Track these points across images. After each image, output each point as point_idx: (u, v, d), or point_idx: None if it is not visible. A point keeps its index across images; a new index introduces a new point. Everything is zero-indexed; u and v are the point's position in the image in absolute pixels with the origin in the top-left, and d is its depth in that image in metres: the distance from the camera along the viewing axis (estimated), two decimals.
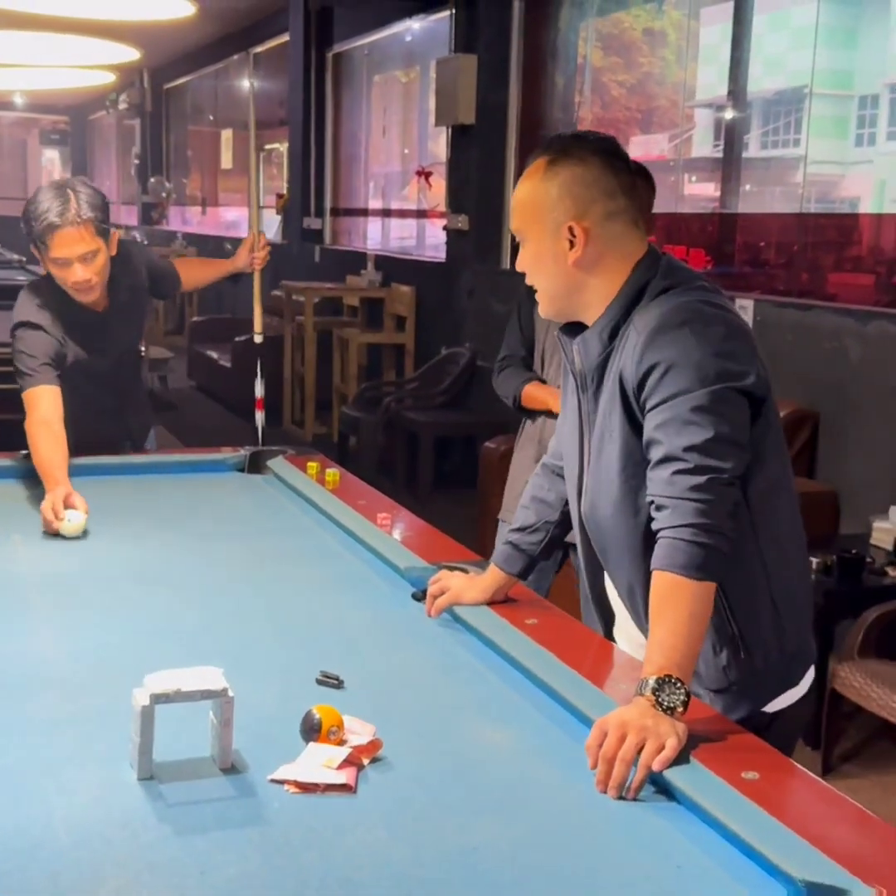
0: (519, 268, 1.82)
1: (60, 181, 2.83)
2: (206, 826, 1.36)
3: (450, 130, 6.95)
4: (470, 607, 2.02)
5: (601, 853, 1.34)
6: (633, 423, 1.70)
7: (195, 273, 3.53)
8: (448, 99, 6.72)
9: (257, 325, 3.84)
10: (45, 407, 2.76)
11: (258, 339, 3.89)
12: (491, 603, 2.03)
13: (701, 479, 1.58)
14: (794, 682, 1.81)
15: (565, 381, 1.90)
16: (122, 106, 15.65)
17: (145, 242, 14.14)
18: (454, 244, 6.80)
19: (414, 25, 8.37)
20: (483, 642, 1.93)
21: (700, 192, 6.77)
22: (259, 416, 3.49)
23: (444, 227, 6.92)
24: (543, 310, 1.85)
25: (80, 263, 2.76)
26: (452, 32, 6.90)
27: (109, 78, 12.83)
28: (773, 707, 1.79)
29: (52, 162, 23.31)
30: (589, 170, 1.72)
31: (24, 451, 2.83)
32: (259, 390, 3.70)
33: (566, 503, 2.00)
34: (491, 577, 2.04)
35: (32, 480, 2.81)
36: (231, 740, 1.49)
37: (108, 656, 1.86)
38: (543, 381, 3.00)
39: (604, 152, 1.75)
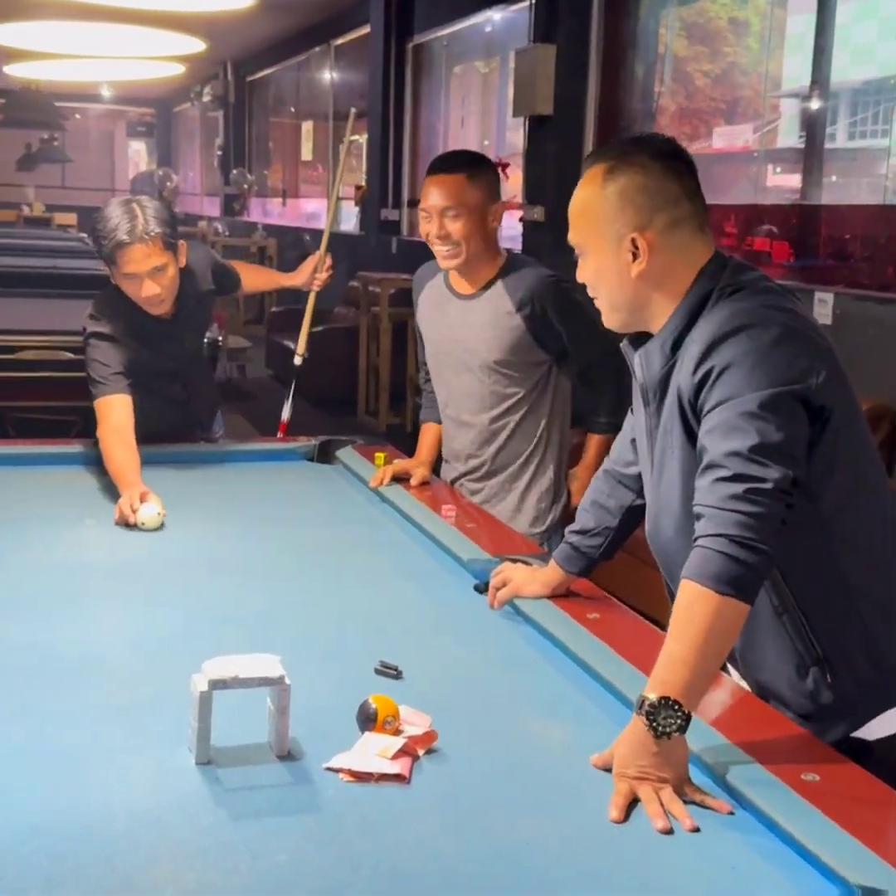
0: (580, 279, 1.77)
1: (127, 198, 2.88)
2: (260, 812, 1.38)
3: (527, 121, 6.92)
4: (532, 600, 2.01)
5: (652, 853, 1.32)
6: (692, 439, 1.62)
7: (254, 279, 3.53)
8: (526, 89, 6.69)
9: (301, 346, 3.82)
10: (116, 416, 2.82)
11: (298, 360, 3.90)
12: (552, 597, 2.02)
13: (739, 487, 1.49)
14: (894, 702, 1.67)
15: (635, 392, 1.86)
16: (206, 98, 15.82)
17: (227, 233, 14.32)
18: (530, 235, 6.77)
19: (494, 16, 8.34)
20: (543, 636, 1.92)
21: (783, 184, 6.65)
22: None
23: (521, 219, 6.89)
24: (606, 321, 1.78)
25: (149, 278, 2.81)
26: (532, 22, 6.86)
27: (179, 69, 12.92)
28: (874, 732, 1.64)
29: (138, 153, 23.65)
30: (650, 176, 1.65)
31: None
32: (286, 413, 3.73)
33: (628, 509, 1.98)
34: (552, 572, 2.03)
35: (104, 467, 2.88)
36: (287, 727, 1.50)
37: (171, 642, 1.88)
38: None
39: (665, 156, 1.67)
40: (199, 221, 16.01)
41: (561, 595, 2.03)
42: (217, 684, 1.46)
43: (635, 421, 1.87)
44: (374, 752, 1.49)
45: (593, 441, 2.81)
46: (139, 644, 1.89)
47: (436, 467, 2.93)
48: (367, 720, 1.54)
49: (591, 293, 1.78)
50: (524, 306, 2.69)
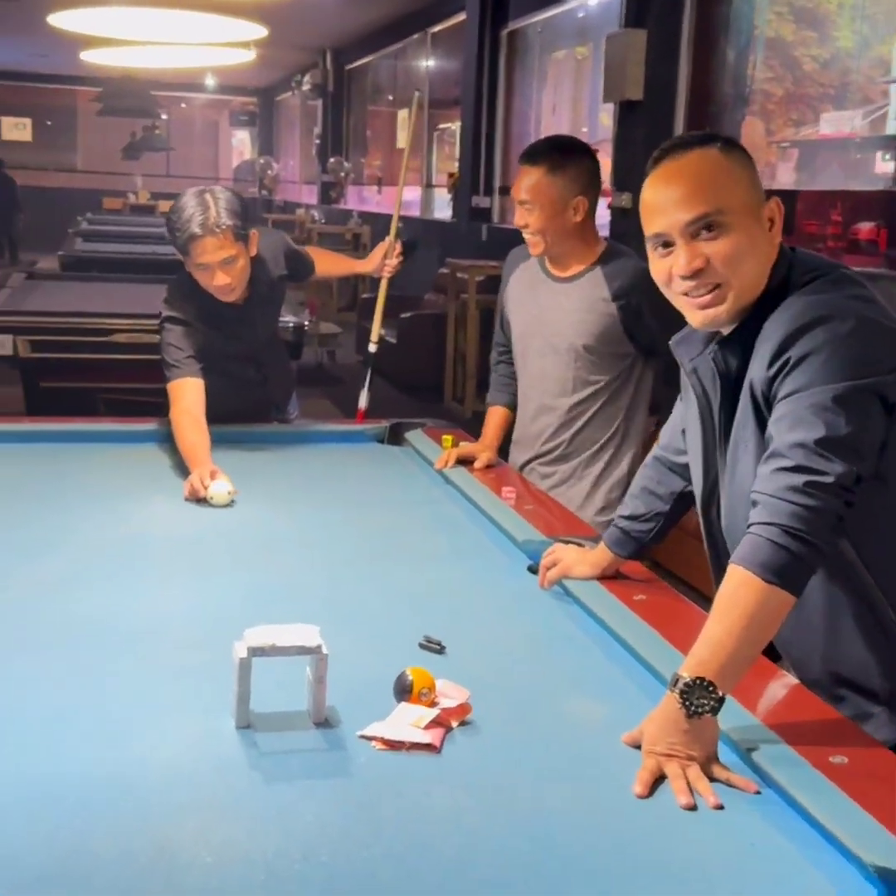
0: (720, 257, 1.61)
1: (201, 188, 2.93)
2: (292, 775, 1.42)
3: (617, 107, 6.87)
4: (581, 581, 2.02)
5: (674, 829, 1.33)
6: (766, 432, 1.59)
7: (327, 264, 3.56)
8: (616, 75, 6.65)
9: (375, 334, 3.84)
10: (189, 398, 2.89)
11: (372, 347, 3.91)
12: (601, 578, 2.03)
13: (799, 479, 1.47)
14: None
15: (685, 383, 1.85)
16: (306, 87, 15.98)
17: (323, 220, 14.48)
18: (618, 222, 6.73)
19: (588, 1, 8.29)
20: (590, 616, 1.93)
21: (892, 171, 6.50)
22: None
23: (609, 206, 6.85)
24: (728, 311, 1.65)
25: (221, 269, 2.87)
26: (623, 7, 6.80)
27: (249, 55, 12.96)
28: None
29: (242, 142, 23.99)
30: (749, 160, 1.63)
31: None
32: (363, 401, 3.76)
33: (678, 496, 1.98)
34: (602, 553, 2.04)
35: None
36: (324, 696, 1.54)
37: (226, 613, 1.93)
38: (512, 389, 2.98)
39: (736, 147, 1.64)
40: (297, 209, 16.21)
41: (610, 576, 2.04)
42: (256, 652, 1.51)
43: (686, 411, 1.86)
44: (408, 721, 1.52)
45: None
46: (196, 614, 1.95)
47: (502, 451, 2.95)
48: (403, 691, 1.57)
49: (724, 273, 1.61)
50: (620, 296, 2.69)
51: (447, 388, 8.29)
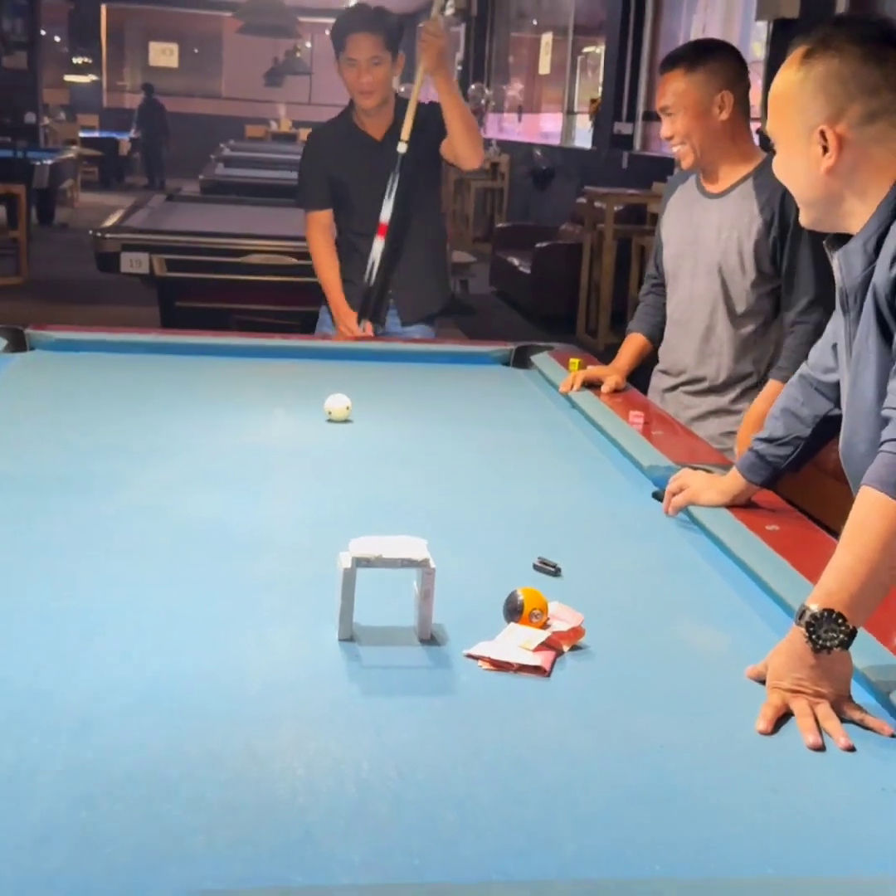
0: (775, 171, 1.65)
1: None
2: (393, 690, 1.36)
3: (770, 26, 6.54)
4: (709, 509, 1.91)
5: (798, 769, 1.24)
6: (890, 343, 1.50)
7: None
8: None
9: (406, 133, 3.25)
10: (315, 226, 3.46)
11: (402, 147, 3.28)
12: (731, 506, 1.91)
13: None
14: None
15: (837, 296, 1.72)
16: (449, 11, 15.74)
17: None
18: (768, 148, 6.46)
19: None
20: (716, 544, 1.83)
21: None
22: (377, 245, 3.33)
23: (758, 131, 6.58)
24: (803, 219, 1.66)
25: (366, 68, 3.21)
26: None
27: None
28: None
29: None
30: (846, 63, 1.51)
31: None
32: (385, 214, 3.32)
33: (822, 419, 1.85)
34: (732, 480, 1.92)
35: (302, 362, 2.96)
36: (431, 612, 1.48)
37: (337, 525, 1.88)
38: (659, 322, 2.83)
39: (870, 39, 1.52)
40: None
41: (740, 505, 1.92)
42: (361, 562, 1.45)
43: (837, 326, 1.73)
44: (517, 643, 1.45)
45: (769, 388, 2.53)
46: (307, 524, 1.91)
47: (634, 380, 2.83)
48: (514, 611, 1.50)
49: (786, 185, 1.65)
50: (766, 208, 2.53)
51: (580, 320, 8.12)
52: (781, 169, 1.63)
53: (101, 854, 1.03)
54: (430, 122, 3.28)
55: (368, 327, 3.35)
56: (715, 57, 2.56)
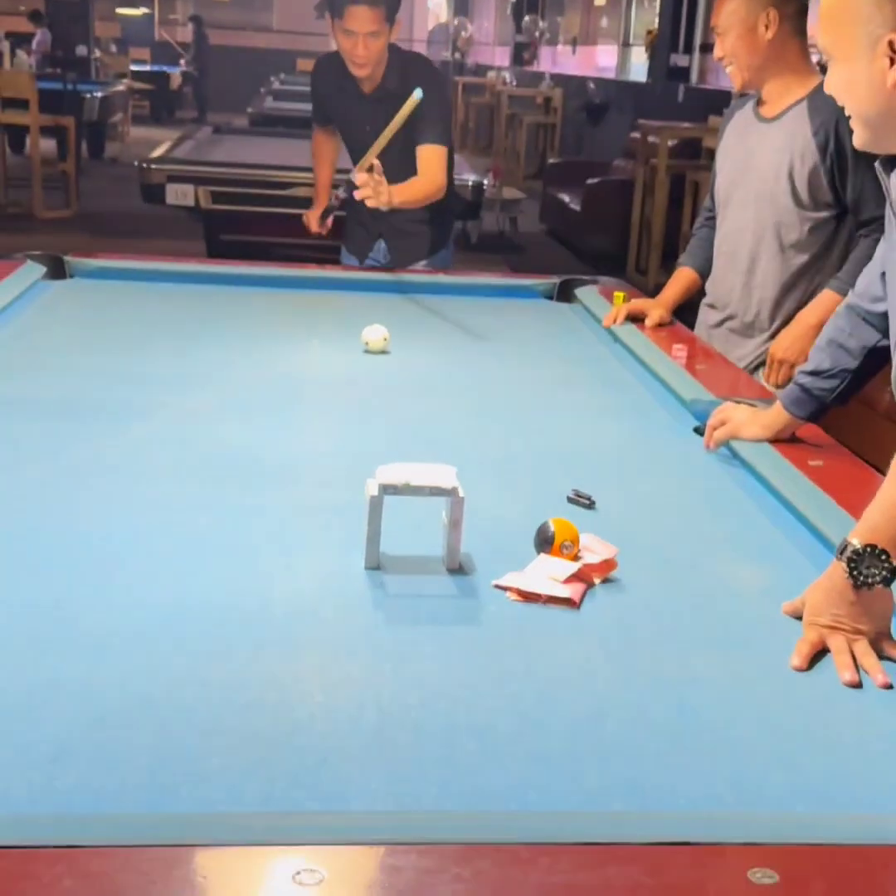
0: (827, 90, 1.53)
1: None
2: (418, 619, 1.34)
3: None
4: (752, 444, 1.86)
5: (833, 706, 1.20)
6: None
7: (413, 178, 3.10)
8: None
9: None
10: (317, 134, 3.56)
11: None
12: (774, 441, 1.86)
13: None
14: None
15: (889, 218, 1.64)
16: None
17: (514, 83, 14.06)
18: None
19: None
20: (757, 479, 1.78)
21: None
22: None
23: (819, 63, 6.38)
24: (857, 139, 1.54)
25: (363, 40, 3.07)
26: None
27: None
28: None
29: (438, 4, 23.44)
30: None
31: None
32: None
33: (870, 350, 1.78)
34: (776, 414, 1.87)
35: (342, 294, 2.93)
36: (459, 541, 1.45)
37: (369, 454, 1.83)
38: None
39: None
40: (488, 72, 15.81)
41: (783, 440, 1.86)
42: (388, 489, 1.42)
43: (887, 253, 1.65)
44: (547, 574, 1.42)
45: (822, 297, 2.47)
46: (339, 453, 1.88)
47: (681, 316, 2.76)
48: (544, 542, 1.46)
49: (841, 104, 1.56)
50: (820, 130, 2.42)
51: (631, 258, 7.99)
52: (838, 85, 1.53)
53: (115, 773, 1.02)
54: (412, 76, 3.12)
55: (329, 223, 3.41)
56: None
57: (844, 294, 2.32)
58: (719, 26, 2.50)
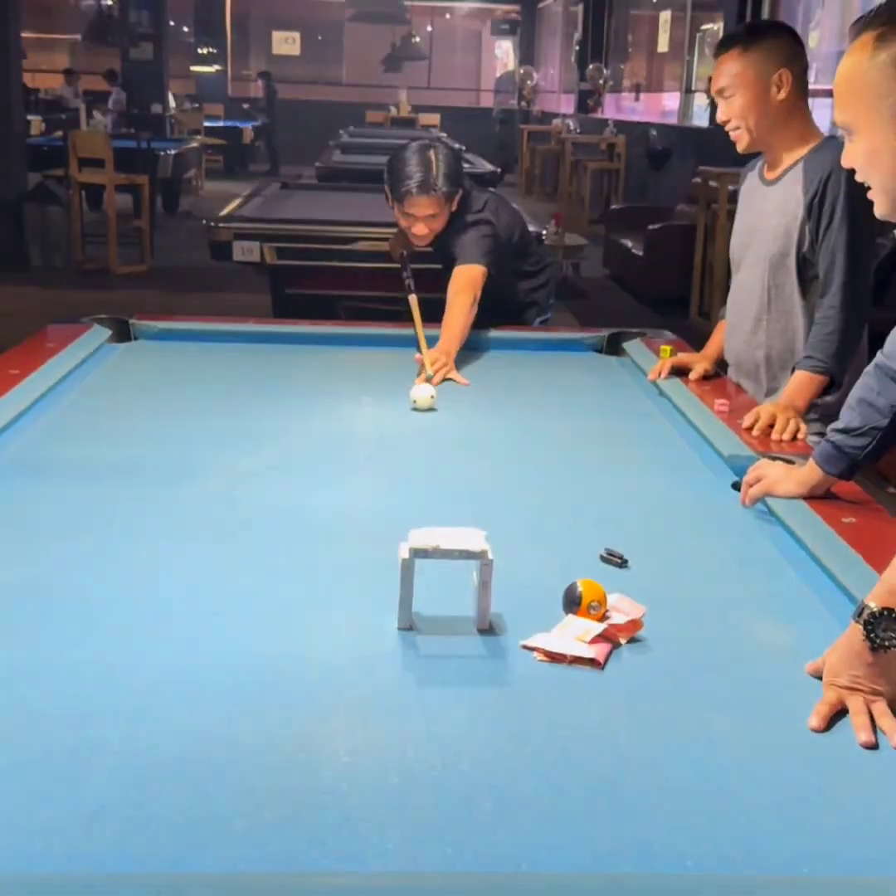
0: (846, 164, 1.56)
1: (426, 143, 3.19)
2: (447, 680, 1.39)
3: None
4: (786, 500, 1.88)
5: (850, 767, 1.22)
6: None
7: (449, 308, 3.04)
8: None
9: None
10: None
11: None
12: (808, 498, 1.88)
13: None
14: None
15: None
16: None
17: (578, 130, 14.18)
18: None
19: None
20: (791, 536, 1.80)
21: None
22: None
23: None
24: (879, 209, 1.56)
25: (423, 221, 3.13)
26: None
27: None
28: None
29: (506, 53, 23.71)
30: None
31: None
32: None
33: None
34: (809, 471, 1.89)
35: (396, 353, 2.98)
36: (488, 602, 1.49)
37: (411, 514, 1.89)
38: None
39: None
40: (554, 119, 15.95)
41: (818, 496, 1.89)
42: (419, 553, 1.47)
43: None
44: (573, 635, 1.45)
45: (795, 378, 2.41)
46: (382, 511, 1.94)
47: (725, 367, 2.78)
48: (572, 603, 1.50)
49: (860, 178, 1.58)
50: (810, 187, 2.41)
51: (693, 301, 8.00)
52: (860, 158, 1.55)
53: (147, 833, 1.07)
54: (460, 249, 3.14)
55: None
56: (770, 36, 2.47)
57: (817, 372, 2.33)
58: (726, 89, 2.45)
